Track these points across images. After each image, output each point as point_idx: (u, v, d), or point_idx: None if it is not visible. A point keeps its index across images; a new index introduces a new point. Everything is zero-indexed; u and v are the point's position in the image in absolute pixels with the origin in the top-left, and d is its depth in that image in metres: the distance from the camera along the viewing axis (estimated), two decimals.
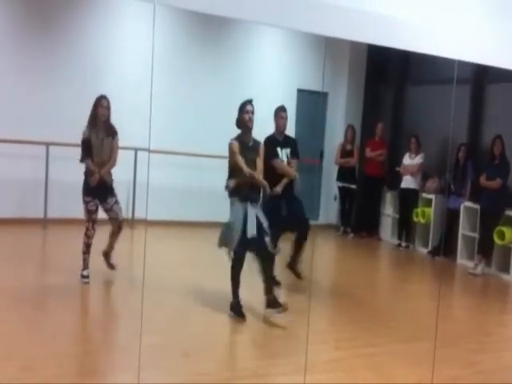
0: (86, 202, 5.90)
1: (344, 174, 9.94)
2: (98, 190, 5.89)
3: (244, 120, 5.30)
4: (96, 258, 6.75)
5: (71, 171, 8.61)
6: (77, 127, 8.60)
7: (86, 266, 5.82)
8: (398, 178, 9.40)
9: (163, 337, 4.53)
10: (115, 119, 8.74)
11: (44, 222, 8.25)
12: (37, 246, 7.59)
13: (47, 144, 8.24)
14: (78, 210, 8.62)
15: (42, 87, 8.55)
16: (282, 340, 5.03)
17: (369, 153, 9.85)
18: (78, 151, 8.44)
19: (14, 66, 8.39)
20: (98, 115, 5.85)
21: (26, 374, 3.67)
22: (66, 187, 8.61)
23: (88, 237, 5.85)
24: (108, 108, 5.88)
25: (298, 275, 6.25)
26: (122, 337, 4.65)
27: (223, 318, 5.13)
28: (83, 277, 5.77)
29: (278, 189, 5.95)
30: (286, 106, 10.12)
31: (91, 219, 5.87)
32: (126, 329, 4.86)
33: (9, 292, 5.36)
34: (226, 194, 9.74)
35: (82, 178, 6.04)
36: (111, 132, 5.94)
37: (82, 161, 5.94)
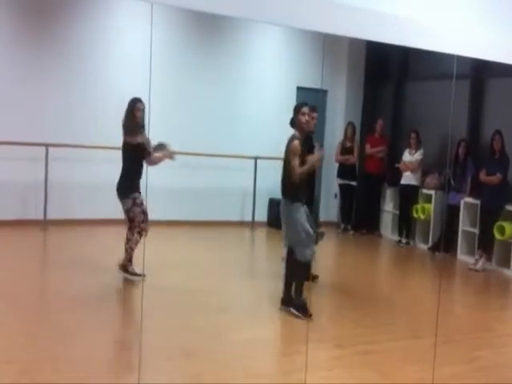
0: (141, 203, 5.83)
1: (344, 171, 9.93)
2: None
3: (300, 122, 5.28)
4: (92, 255, 6.77)
5: (71, 172, 8.67)
6: (76, 128, 8.66)
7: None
8: (398, 174, 9.38)
9: (164, 336, 4.53)
10: (115, 118, 8.82)
11: (44, 224, 8.25)
12: (37, 248, 7.59)
13: (46, 145, 8.24)
14: (77, 211, 8.70)
15: (41, 89, 8.54)
16: (282, 338, 5.03)
17: (369, 149, 9.84)
18: (78, 152, 8.52)
19: (12, 68, 8.38)
20: (137, 119, 5.77)
21: (25, 377, 3.66)
22: (65, 188, 8.63)
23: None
24: (144, 110, 5.79)
25: (313, 279, 6.23)
26: (122, 337, 4.64)
27: (223, 316, 5.14)
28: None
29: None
30: (286, 104, 10.16)
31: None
32: (126, 328, 4.87)
33: (8, 294, 5.36)
34: (220, 192, 9.77)
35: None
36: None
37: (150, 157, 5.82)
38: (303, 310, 5.12)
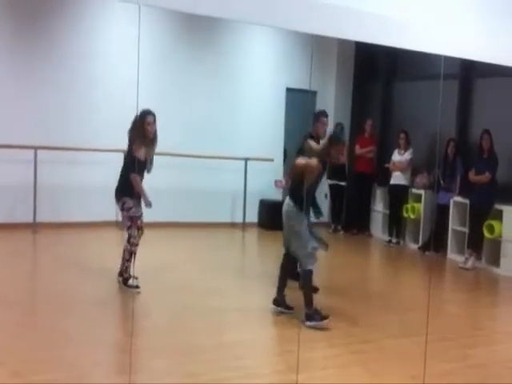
0: (128, 208, 5.70)
1: (334, 171, 9.93)
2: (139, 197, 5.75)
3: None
4: (83, 258, 6.75)
5: (60, 175, 8.62)
6: (65, 131, 8.62)
7: (131, 275, 5.63)
8: (388, 174, 9.43)
9: (158, 336, 4.52)
10: (104, 121, 8.79)
11: (34, 227, 8.20)
12: (28, 251, 7.55)
13: (35, 148, 8.19)
14: (68, 214, 8.65)
15: (30, 91, 8.49)
16: (275, 338, 5.04)
17: (358, 150, 9.88)
18: (67, 155, 8.48)
19: (1, 71, 8.33)
20: (146, 133, 5.64)
21: (18, 378, 3.64)
22: (55, 191, 8.58)
23: (134, 245, 5.68)
24: (154, 123, 5.68)
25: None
26: (116, 338, 4.63)
27: (216, 316, 5.14)
28: (136, 287, 5.59)
29: None
30: (276, 105, 10.22)
31: (136, 226, 5.72)
32: (119, 330, 4.85)
33: (0, 297, 5.32)
34: (211, 194, 9.65)
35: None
36: (155, 144, 5.78)
37: (133, 174, 5.66)
38: (318, 316, 4.96)
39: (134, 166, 5.56)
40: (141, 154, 5.64)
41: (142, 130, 5.64)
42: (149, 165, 5.78)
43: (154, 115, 5.68)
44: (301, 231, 5.07)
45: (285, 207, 5.23)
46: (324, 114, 6.07)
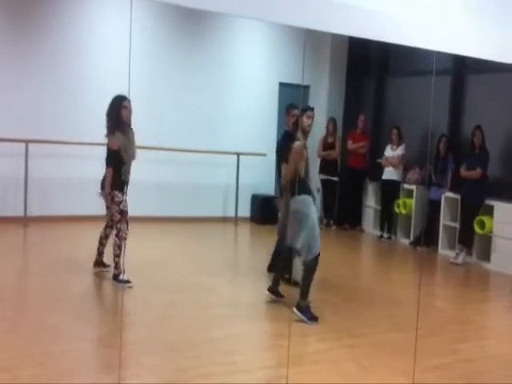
0: (118, 202, 5.64)
1: (326, 166, 9.96)
2: (125, 187, 5.68)
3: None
4: (73, 252, 6.73)
5: (51, 169, 8.58)
6: (56, 124, 8.58)
7: (123, 270, 5.60)
8: (380, 169, 9.44)
9: (147, 332, 4.52)
10: (96, 114, 8.73)
11: (24, 221, 8.17)
12: (18, 245, 7.51)
13: (26, 141, 8.15)
14: (58, 208, 8.62)
15: (21, 84, 8.44)
16: (265, 333, 5.04)
17: (351, 145, 9.88)
18: (58, 148, 8.44)
19: None
20: (122, 118, 5.57)
21: (7, 374, 3.62)
22: (46, 185, 8.55)
23: (123, 238, 5.63)
24: (130, 110, 5.60)
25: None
26: (105, 334, 4.61)
27: (207, 311, 5.13)
28: (127, 282, 5.57)
29: None
30: (268, 100, 10.20)
31: (126, 220, 5.68)
32: (108, 325, 4.84)
33: None
34: (203, 188, 9.60)
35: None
36: (131, 131, 5.72)
37: (107, 169, 5.64)
38: (308, 314, 4.97)
39: (110, 158, 5.61)
40: (113, 144, 5.59)
41: (119, 116, 5.58)
42: (131, 151, 5.69)
43: (129, 101, 5.60)
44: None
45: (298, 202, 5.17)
46: (293, 106, 6.18)
